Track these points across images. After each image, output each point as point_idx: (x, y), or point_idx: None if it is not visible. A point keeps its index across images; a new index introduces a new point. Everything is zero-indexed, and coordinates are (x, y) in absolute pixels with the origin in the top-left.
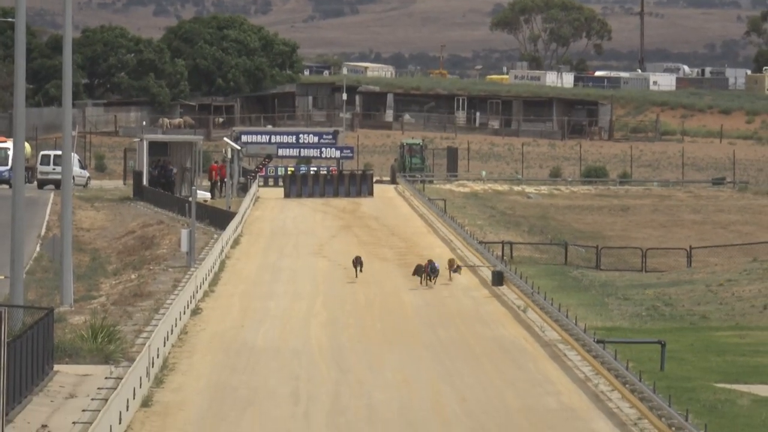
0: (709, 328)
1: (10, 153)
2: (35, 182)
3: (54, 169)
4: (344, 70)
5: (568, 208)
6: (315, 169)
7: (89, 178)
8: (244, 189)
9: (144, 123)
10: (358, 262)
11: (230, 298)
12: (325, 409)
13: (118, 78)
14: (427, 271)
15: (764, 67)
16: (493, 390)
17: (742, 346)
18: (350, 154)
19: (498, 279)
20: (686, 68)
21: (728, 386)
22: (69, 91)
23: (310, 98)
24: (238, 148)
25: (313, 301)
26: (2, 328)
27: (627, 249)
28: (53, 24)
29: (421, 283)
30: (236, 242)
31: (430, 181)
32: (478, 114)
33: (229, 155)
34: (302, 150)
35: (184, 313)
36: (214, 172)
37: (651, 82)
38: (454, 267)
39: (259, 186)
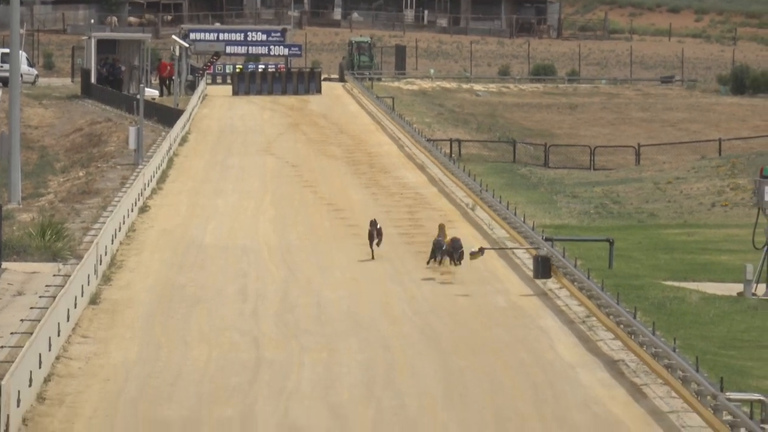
0: (657, 226)
1: None
2: None
3: (2, 66)
4: None
5: (517, 106)
6: (263, 66)
7: (37, 75)
8: (192, 87)
9: (92, 21)
10: (375, 234)
11: (178, 195)
12: (273, 307)
13: None
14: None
15: None
16: (442, 289)
17: (690, 244)
18: (298, 52)
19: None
20: None
21: (676, 284)
22: None
23: None
24: (186, 45)
25: (261, 198)
26: None
27: (575, 147)
28: None
29: (438, 264)
30: (184, 140)
31: (378, 79)
32: (426, 12)
33: (177, 53)
34: (250, 48)
35: (132, 211)
36: (164, 70)
37: None
38: (477, 251)
39: (207, 84)
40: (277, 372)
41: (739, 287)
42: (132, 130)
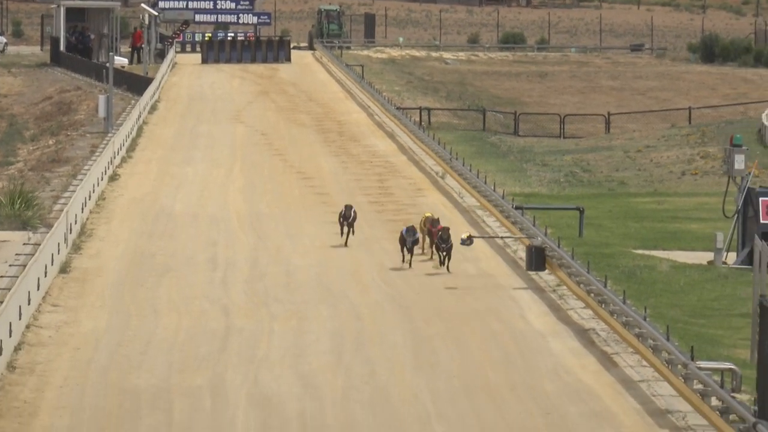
0: (627, 195)
1: None
2: None
3: None
4: None
5: (486, 75)
6: (232, 35)
7: (6, 44)
8: (161, 55)
9: None
10: (348, 217)
11: (148, 164)
12: (243, 275)
13: None
14: (434, 240)
15: None
16: (412, 257)
17: (660, 212)
18: (267, 20)
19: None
20: None
21: (646, 252)
22: None
23: None
24: (156, 14)
25: (230, 167)
26: None
27: (545, 115)
28: None
29: (424, 252)
30: (154, 108)
31: (348, 47)
32: None
33: (147, 21)
34: (219, 16)
35: (102, 179)
36: (139, 39)
37: None
38: (466, 238)
39: (176, 52)
40: (246, 340)
41: (709, 256)
42: (101, 99)
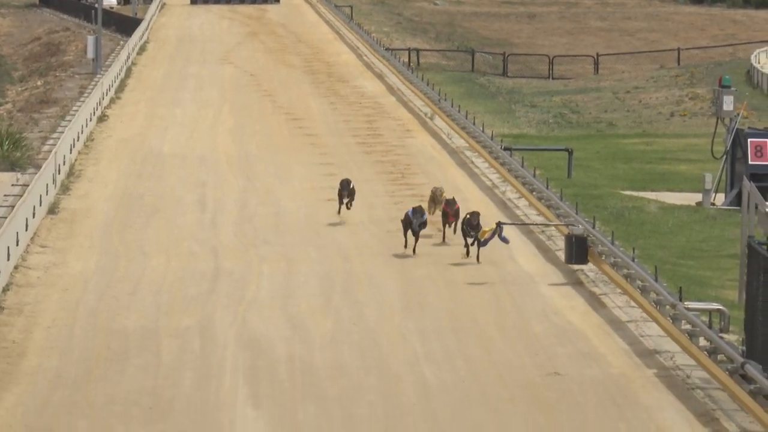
0: (616, 136)
1: None
2: None
3: None
4: None
5: (475, 15)
6: None
7: None
8: None
9: None
10: (346, 194)
11: (136, 104)
12: (232, 216)
13: None
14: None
15: None
16: (400, 195)
17: (649, 154)
18: None
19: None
20: None
21: (635, 193)
22: None
23: None
24: None
25: (219, 108)
26: None
27: (534, 56)
28: None
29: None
30: (143, 49)
31: None
32: None
33: None
34: None
35: (91, 120)
36: None
37: None
38: (497, 231)
39: None
40: (235, 282)
41: (697, 197)
42: (90, 40)
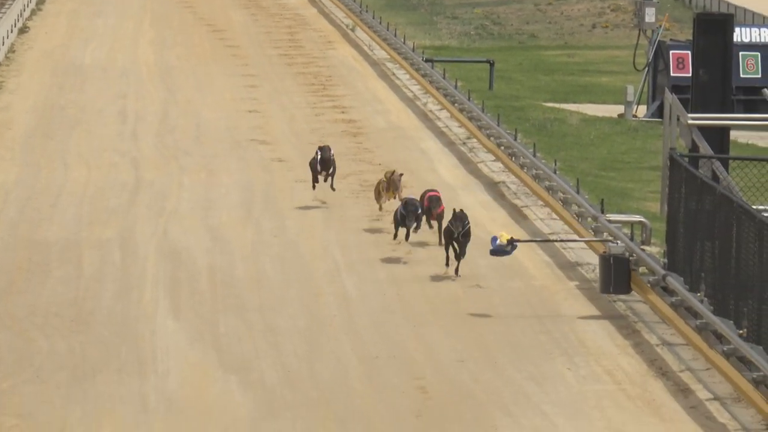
0: (537, 48)
1: None
2: None
3: None
4: None
5: None
6: None
7: None
8: None
9: None
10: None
11: (57, 16)
12: (152, 128)
13: None
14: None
15: None
16: (321, 107)
17: (571, 66)
18: None
19: None
20: None
21: (557, 105)
22: None
23: None
24: None
25: (140, 19)
26: None
27: None
28: None
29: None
30: None
31: None
32: None
33: None
34: None
35: (12, 32)
36: None
37: None
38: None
39: None
40: (156, 193)
41: (619, 109)
42: None
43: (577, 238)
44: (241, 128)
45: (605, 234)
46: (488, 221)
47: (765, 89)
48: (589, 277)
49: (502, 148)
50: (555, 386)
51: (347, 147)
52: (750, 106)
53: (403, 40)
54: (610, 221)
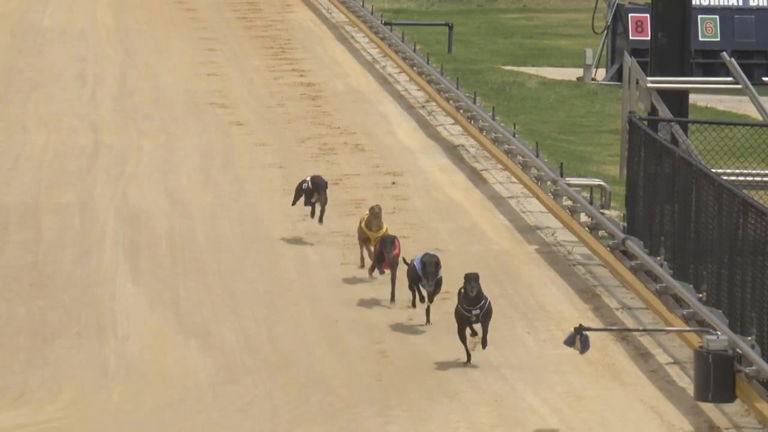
0: (496, 11)
1: None
2: None
3: None
4: None
5: None
6: None
7: None
8: None
9: None
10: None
11: None
12: (112, 91)
13: None
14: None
15: None
16: (280, 70)
17: (530, 29)
18: None
19: None
20: None
21: (516, 68)
22: None
23: None
24: None
25: None
26: None
27: None
28: None
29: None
30: None
31: None
32: None
33: None
34: None
35: None
36: None
37: None
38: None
39: None
40: (115, 157)
41: (578, 72)
42: None
43: (666, 328)
44: (200, 92)
45: (695, 323)
46: (448, 185)
47: (723, 52)
48: (549, 241)
49: (461, 111)
50: (515, 350)
51: (306, 110)
52: (709, 70)
53: (361, 3)
54: (569, 185)
